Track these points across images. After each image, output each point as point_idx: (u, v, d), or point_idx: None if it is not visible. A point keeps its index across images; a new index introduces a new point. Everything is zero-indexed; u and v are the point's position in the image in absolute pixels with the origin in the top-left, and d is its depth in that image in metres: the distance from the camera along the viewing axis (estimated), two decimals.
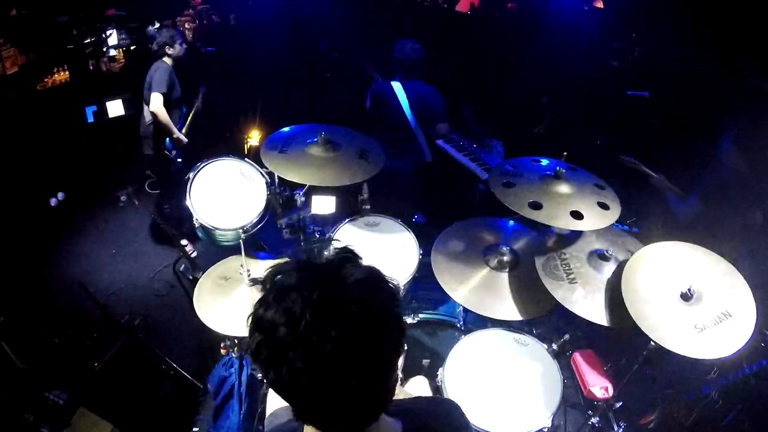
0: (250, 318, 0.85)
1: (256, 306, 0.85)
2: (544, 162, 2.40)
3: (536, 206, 2.07)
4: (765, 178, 2.84)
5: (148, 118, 3.90)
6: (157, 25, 5.82)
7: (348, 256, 0.89)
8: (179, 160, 4.08)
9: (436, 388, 2.14)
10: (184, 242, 4.11)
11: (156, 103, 3.72)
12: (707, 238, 2.21)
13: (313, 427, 0.91)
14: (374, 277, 0.87)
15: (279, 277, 0.85)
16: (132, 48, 5.65)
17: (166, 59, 3.85)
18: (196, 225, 2.63)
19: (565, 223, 2.02)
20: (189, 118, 4.23)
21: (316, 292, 0.80)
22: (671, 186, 3.30)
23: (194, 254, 3.68)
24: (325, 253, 0.89)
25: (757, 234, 2.95)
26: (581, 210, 2.05)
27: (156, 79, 3.74)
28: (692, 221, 3.21)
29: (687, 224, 3.19)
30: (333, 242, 0.97)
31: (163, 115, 3.78)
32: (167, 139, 3.92)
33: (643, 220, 3.19)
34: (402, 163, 3.51)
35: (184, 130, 4.10)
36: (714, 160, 3.15)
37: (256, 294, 2.43)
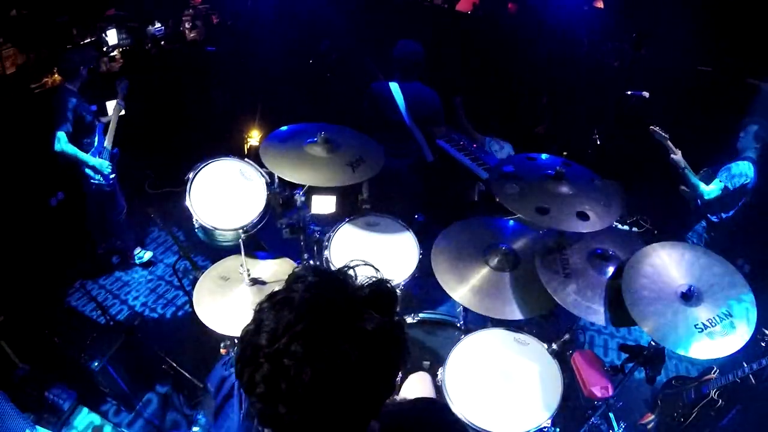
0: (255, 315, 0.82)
1: (259, 305, 0.82)
2: (544, 156, 2.40)
3: (542, 210, 2.06)
4: None
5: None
6: (158, 25, 5.83)
7: (379, 298, 0.83)
8: (112, 175, 3.73)
9: (437, 388, 2.14)
10: (137, 250, 4.06)
11: (58, 144, 3.33)
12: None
13: None
14: (390, 336, 0.81)
15: (271, 306, 0.81)
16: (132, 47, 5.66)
17: (72, 85, 3.46)
18: (196, 225, 2.63)
19: (572, 225, 2.01)
20: (110, 127, 3.77)
21: (301, 324, 0.76)
22: (687, 165, 3.46)
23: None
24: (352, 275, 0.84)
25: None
26: (585, 209, 2.05)
27: (57, 114, 3.34)
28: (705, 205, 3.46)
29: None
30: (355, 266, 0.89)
31: (69, 153, 3.41)
32: (85, 169, 3.60)
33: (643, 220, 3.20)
34: (400, 163, 3.52)
35: (106, 143, 3.70)
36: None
37: (256, 294, 2.45)
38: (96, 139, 3.69)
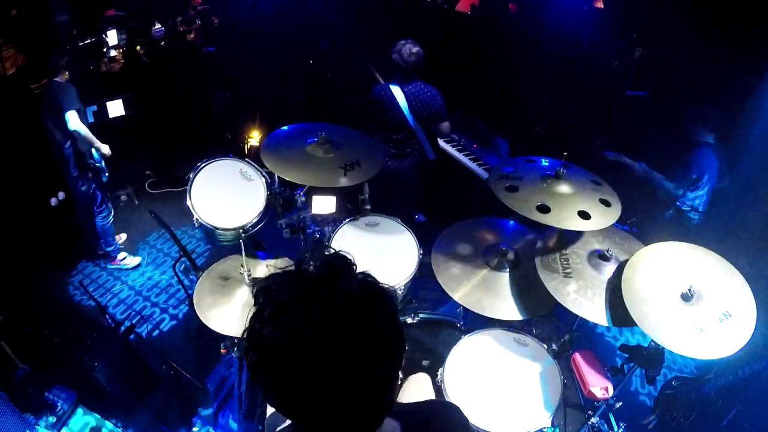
0: (246, 333, 0.82)
1: (252, 321, 0.82)
2: (544, 162, 2.40)
3: (543, 209, 2.07)
4: None
5: (64, 139, 3.68)
6: (158, 25, 5.83)
7: (342, 263, 0.86)
8: (104, 168, 3.96)
9: (437, 388, 2.14)
10: (122, 256, 4.17)
11: (74, 121, 3.54)
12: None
13: None
14: (372, 287, 0.85)
15: (274, 290, 0.83)
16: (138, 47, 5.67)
17: (60, 79, 3.66)
18: (196, 225, 2.63)
19: (573, 224, 2.01)
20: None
21: (315, 308, 0.77)
22: (653, 171, 3.55)
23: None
24: (318, 260, 0.87)
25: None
26: (586, 209, 2.05)
27: (66, 98, 3.56)
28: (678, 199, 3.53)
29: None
30: (327, 248, 0.94)
31: (84, 129, 3.63)
32: (94, 152, 3.80)
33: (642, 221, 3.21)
34: (402, 164, 3.52)
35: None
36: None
37: None
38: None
